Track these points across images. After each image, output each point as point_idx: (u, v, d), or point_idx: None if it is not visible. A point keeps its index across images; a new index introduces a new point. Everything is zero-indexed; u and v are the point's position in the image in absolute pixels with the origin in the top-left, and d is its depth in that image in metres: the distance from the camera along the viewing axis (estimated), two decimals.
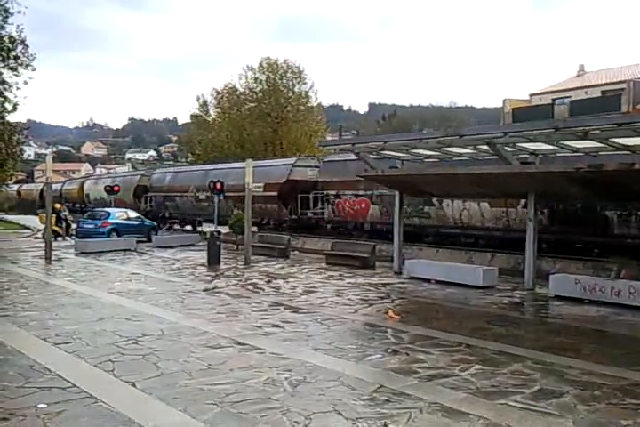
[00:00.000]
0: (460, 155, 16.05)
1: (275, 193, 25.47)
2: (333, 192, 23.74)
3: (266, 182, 24.02)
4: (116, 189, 32.21)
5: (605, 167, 11.69)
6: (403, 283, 14.67)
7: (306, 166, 26.77)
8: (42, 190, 68.40)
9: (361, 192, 22.27)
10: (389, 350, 7.98)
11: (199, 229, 31.38)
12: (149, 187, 36.79)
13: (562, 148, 13.39)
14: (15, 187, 70.26)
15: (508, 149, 13.68)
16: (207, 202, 27.40)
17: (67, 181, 60.13)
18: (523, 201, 15.97)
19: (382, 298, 12.43)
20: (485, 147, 13.60)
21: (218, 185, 22.29)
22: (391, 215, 18.19)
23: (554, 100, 39.54)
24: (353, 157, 18.11)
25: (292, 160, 28.10)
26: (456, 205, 19.06)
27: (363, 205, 22.46)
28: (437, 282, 14.40)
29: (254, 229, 23.67)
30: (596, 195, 14.19)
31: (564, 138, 12.53)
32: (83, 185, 48.49)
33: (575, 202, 15.90)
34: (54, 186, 68.90)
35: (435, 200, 19.27)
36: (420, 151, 16.07)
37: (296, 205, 25.88)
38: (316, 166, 26.30)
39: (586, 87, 39.87)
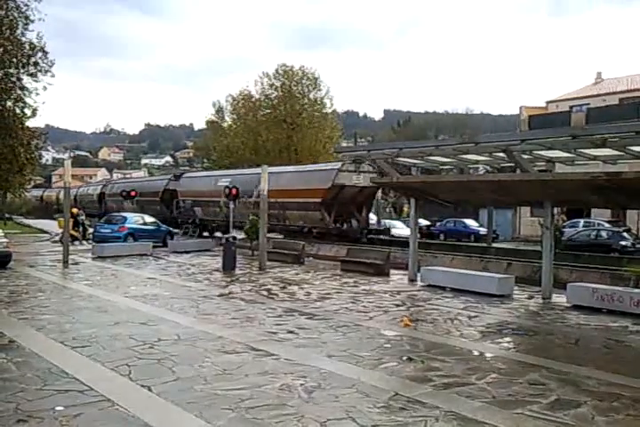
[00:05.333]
0: (477, 162, 16.00)
1: (95, 198, 48.72)
2: (111, 198, 44.79)
3: (98, 193, 48.22)
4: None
5: (624, 175, 11.59)
6: (418, 290, 14.62)
7: (114, 184, 47.87)
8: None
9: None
10: (404, 358, 7.95)
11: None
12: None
13: (579, 155, 13.30)
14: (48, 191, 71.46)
15: (525, 156, 13.62)
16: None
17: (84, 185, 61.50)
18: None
19: (397, 305, 12.39)
20: (502, 154, 13.56)
21: (233, 191, 22.43)
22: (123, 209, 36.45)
23: (571, 107, 39.34)
24: (124, 181, 50.69)
25: (104, 182, 55.99)
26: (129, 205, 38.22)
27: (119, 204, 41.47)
28: (452, 290, 14.33)
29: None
30: (613, 203, 14.07)
31: (581, 146, 12.45)
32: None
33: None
34: (47, 192, 70.85)
35: (128, 201, 36.42)
36: (436, 158, 16.05)
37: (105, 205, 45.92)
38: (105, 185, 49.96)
39: (603, 95, 39.65)
